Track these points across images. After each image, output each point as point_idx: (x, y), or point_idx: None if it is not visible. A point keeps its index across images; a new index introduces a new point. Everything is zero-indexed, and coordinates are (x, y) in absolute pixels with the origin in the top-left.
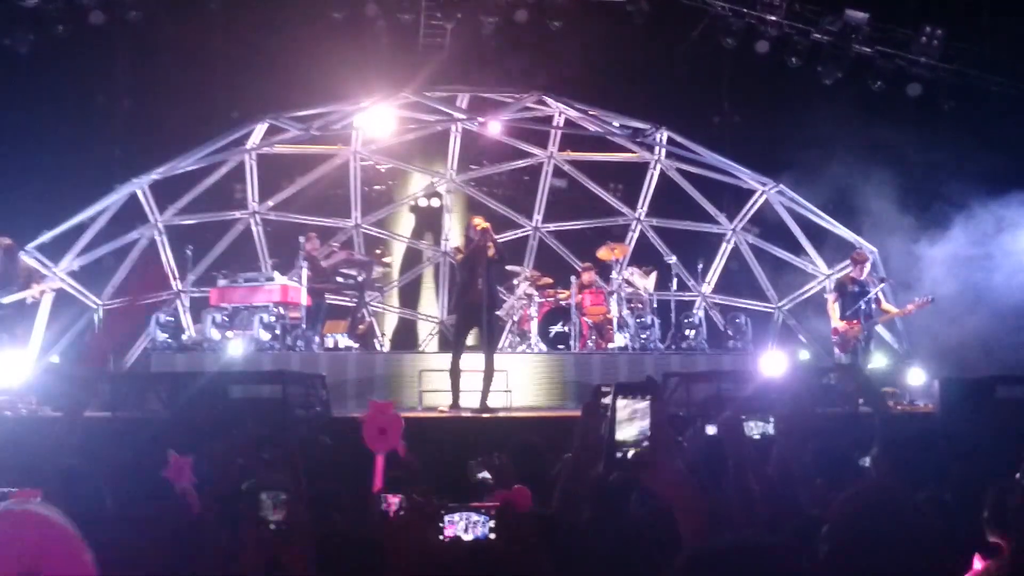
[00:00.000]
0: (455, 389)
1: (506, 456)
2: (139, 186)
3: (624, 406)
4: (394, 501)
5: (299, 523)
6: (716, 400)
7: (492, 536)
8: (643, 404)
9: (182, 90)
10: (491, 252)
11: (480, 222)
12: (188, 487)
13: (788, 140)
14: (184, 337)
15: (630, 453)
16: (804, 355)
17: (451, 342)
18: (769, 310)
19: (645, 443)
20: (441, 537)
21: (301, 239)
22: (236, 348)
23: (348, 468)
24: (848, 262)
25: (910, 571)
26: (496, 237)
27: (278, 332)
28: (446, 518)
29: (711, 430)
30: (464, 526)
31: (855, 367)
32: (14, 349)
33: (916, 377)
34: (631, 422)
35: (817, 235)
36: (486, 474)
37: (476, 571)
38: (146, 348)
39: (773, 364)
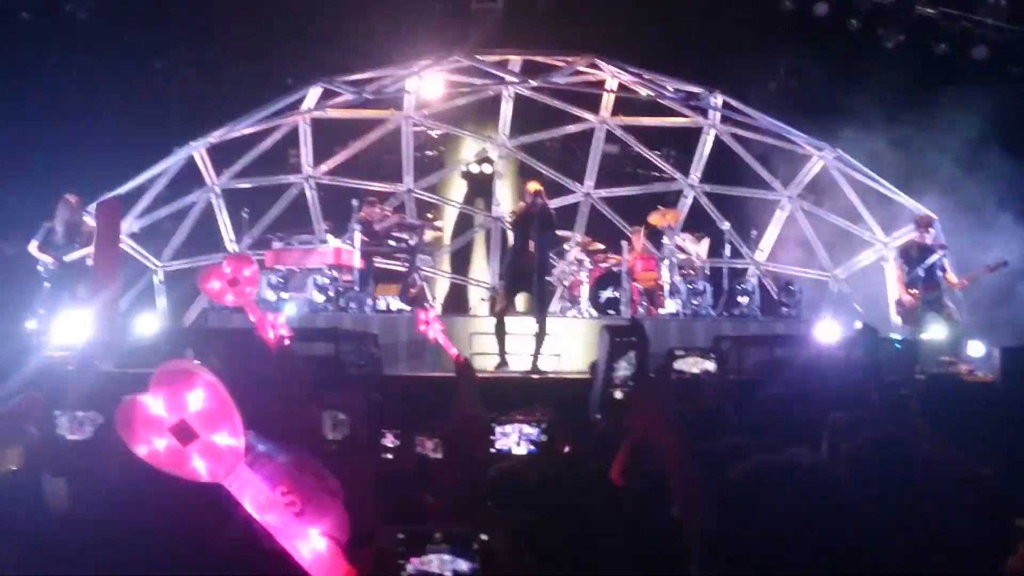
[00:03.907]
0: (502, 349)
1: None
2: (197, 149)
3: (616, 349)
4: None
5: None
6: (770, 364)
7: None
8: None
9: (238, 54)
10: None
11: (533, 185)
12: None
13: (847, 105)
14: None
15: (619, 394)
16: (858, 324)
17: (499, 303)
18: (824, 278)
19: (631, 384)
20: (492, 450)
21: (354, 203)
22: (291, 309)
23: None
24: (911, 227)
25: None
26: (547, 201)
27: (331, 294)
28: (496, 430)
29: None
30: (516, 439)
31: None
32: (76, 308)
33: (976, 349)
34: (623, 365)
35: (875, 202)
36: None
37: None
38: (204, 308)
39: (828, 332)
